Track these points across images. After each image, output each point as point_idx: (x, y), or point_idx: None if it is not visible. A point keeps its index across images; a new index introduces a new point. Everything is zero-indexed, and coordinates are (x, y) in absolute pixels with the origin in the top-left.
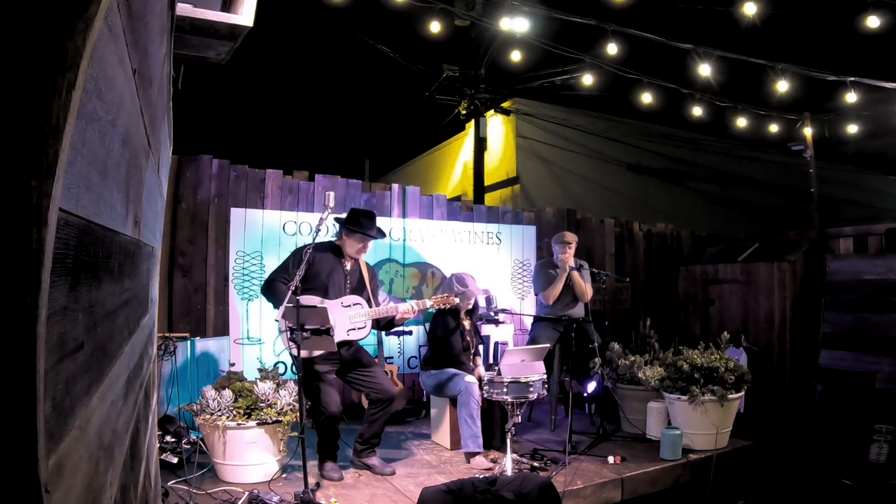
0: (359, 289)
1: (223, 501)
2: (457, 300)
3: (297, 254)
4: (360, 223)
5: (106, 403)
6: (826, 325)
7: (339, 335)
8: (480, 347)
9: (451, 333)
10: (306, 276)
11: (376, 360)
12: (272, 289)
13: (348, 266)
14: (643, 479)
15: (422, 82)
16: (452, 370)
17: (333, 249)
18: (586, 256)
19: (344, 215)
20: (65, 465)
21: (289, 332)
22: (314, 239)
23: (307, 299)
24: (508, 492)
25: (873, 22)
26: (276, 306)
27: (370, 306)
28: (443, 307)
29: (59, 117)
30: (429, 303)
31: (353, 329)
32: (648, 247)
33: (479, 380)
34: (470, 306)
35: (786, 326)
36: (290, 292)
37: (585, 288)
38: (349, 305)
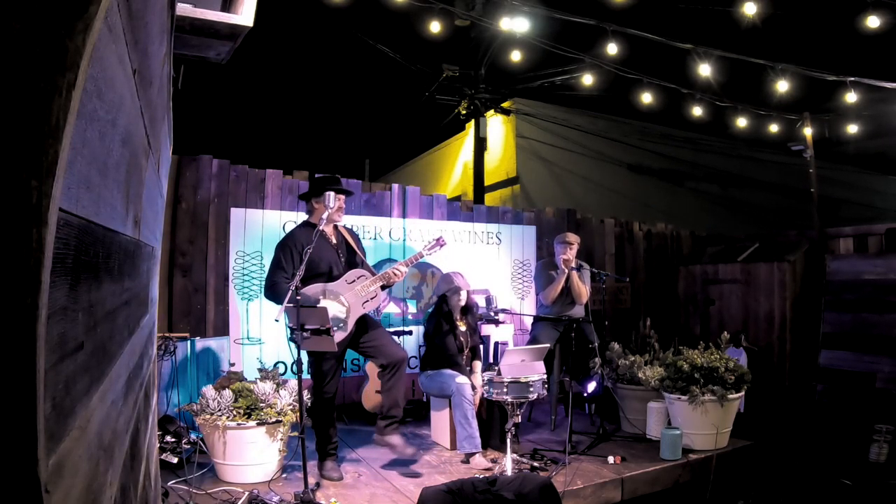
0: (350, 258)
1: (223, 501)
2: (444, 242)
3: (286, 248)
4: (323, 184)
5: (106, 403)
6: (826, 325)
7: (356, 311)
8: (480, 348)
9: (445, 335)
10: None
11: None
12: (277, 291)
13: (333, 239)
14: (643, 479)
15: (422, 82)
16: (447, 371)
17: (311, 228)
18: (586, 256)
19: (308, 189)
20: (65, 465)
21: (288, 332)
22: (314, 239)
23: (312, 289)
24: (508, 492)
25: (873, 22)
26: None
27: (370, 273)
28: (435, 251)
29: (59, 117)
30: (424, 252)
31: (367, 301)
32: (648, 247)
33: (475, 383)
34: (462, 303)
35: (786, 326)
36: (290, 292)
37: (583, 290)
38: (353, 281)
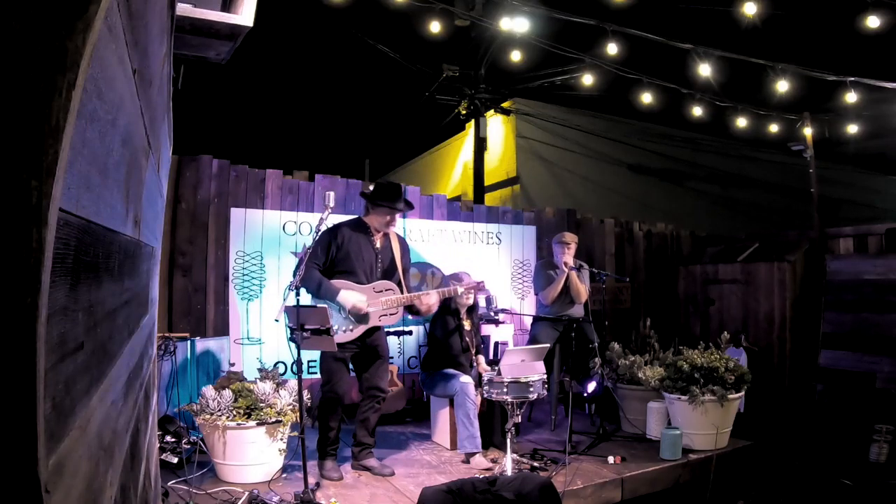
0: (390, 268)
1: (223, 501)
2: (483, 288)
3: (326, 238)
4: (384, 195)
5: (106, 403)
6: (826, 325)
7: (372, 320)
8: (482, 347)
9: (451, 334)
10: (337, 258)
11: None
12: (310, 276)
13: (378, 243)
14: (643, 479)
15: (422, 82)
16: (450, 371)
17: (361, 227)
18: (586, 256)
19: (370, 189)
20: (65, 465)
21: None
22: (315, 239)
23: (339, 282)
24: (508, 492)
25: (873, 22)
26: (315, 294)
27: (402, 290)
28: (469, 295)
29: (59, 117)
30: (461, 289)
31: (385, 315)
32: (648, 247)
33: (481, 377)
34: (469, 303)
35: (786, 326)
36: (292, 292)
37: (581, 289)
38: (381, 291)
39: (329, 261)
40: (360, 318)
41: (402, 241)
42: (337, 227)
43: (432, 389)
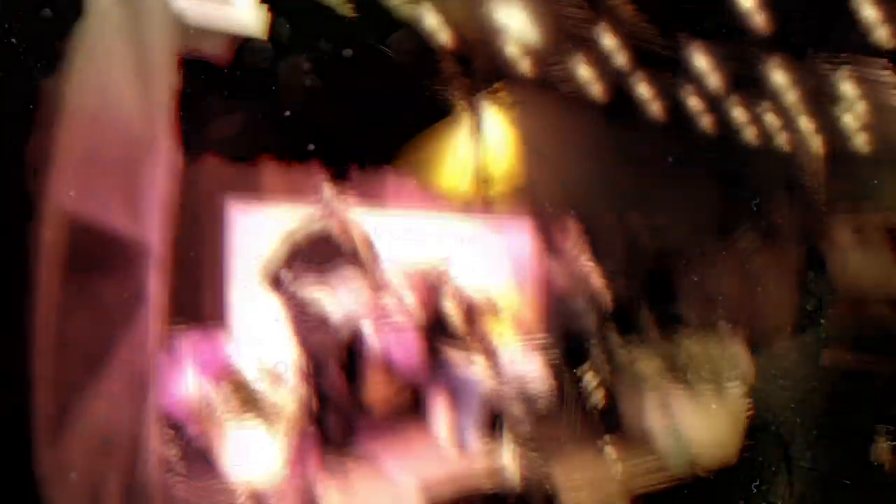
0: (355, 259)
1: (223, 501)
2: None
3: (290, 241)
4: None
5: (106, 403)
6: (826, 324)
7: (349, 313)
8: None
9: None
10: (304, 259)
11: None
12: (275, 281)
13: (341, 237)
14: (643, 479)
15: (419, 78)
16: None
17: (323, 226)
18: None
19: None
20: (65, 465)
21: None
22: (316, 235)
23: (310, 284)
24: (509, 492)
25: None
26: (278, 298)
27: (370, 279)
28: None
29: (59, 117)
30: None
31: (357, 306)
32: (648, 245)
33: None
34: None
35: (785, 325)
36: (289, 290)
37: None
38: (349, 283)
39: (298, 262)
40: (339, 315)
41: (367, 234)
42: (296, 230)
43: (438, 386)
